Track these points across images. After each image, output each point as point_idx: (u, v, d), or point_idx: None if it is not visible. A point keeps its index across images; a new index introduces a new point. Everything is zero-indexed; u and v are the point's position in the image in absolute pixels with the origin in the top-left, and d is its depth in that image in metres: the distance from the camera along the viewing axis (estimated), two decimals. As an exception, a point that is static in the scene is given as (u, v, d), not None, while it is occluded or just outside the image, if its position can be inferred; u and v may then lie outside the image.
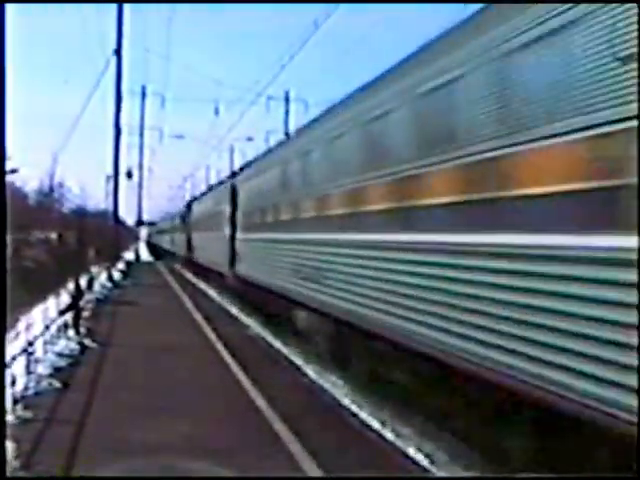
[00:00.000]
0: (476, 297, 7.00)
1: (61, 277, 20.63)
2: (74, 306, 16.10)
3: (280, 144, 19.07)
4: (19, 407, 8.95)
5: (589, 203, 5.45)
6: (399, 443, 8.38)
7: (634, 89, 4.99)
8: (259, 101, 38.10)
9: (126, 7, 36.64)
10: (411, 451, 8.11)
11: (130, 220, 73.38)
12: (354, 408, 9.96)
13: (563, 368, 5.68)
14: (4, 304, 8.10)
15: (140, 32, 53.55)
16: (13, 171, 26.23)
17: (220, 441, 7.92)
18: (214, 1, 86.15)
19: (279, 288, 16.03)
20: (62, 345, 13.73)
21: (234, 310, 23.28)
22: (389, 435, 8.73)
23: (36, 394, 9.92)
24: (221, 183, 33.64)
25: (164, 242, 68.10)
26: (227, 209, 24.95)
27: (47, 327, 14.05)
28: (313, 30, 17.47)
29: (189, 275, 41.04)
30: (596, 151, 5.39)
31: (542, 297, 5.98)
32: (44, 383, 10.53)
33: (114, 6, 36.27)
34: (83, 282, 21.80)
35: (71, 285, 18.07)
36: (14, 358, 10.03)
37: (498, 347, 6.50)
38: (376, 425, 9.13)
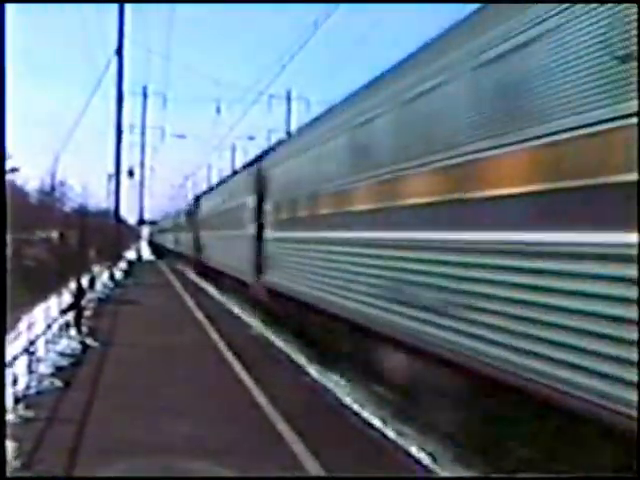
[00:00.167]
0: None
1: (63, 276, 20.59)
2: (76, 305, 16.09)
3: (330, 111, 13.51)
4: (21, 406, 8.94)
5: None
6: (401, 442, 8.36)
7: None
8: (261, 100, 38.28)
9: (127, 7, 36.66)
10: (413, 450, 8.09)
11: (132, 219, 73.39)
12: (356, 407, 9.93)
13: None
14: (4, 304, 8.08)
15: (141, 32, 53.66)
16: (14, 170, 26.23)
17: (221, 441, 7.90)
18: (215, 1, 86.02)
19: (342, 310, 11.45)
20: (64, 344, 13.72)
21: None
22: (391, 434, 8.71)
23: (38, 393, 9.91)
24: (235, 173, 29.61)
25: (167, 241, 66.14)
26: (250, 201, 20.62)
27: (49, 326, 14.04)
28: (314, 29, 17.45)
29: (193, 275, 40.94)
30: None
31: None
32: (46, 382, 10.52)
33: (115, 6, 36.30)
34: (85, 281, 21.79)
35: (73, 284, 18.05)
36: (16, 357, 10.02)
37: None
38: (378, 423, 9.11)
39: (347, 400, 10.33)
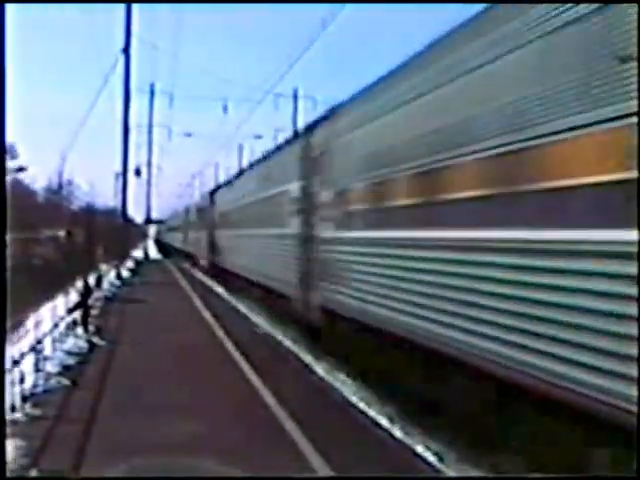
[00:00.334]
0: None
1: (70, 275, 20.66)
2: (83, 304, 16.12)
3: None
4: (28, 405, 8.96)
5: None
6: (408, 441, 8.34)
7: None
8: (267, 99, 38.11)
9: (134, 5, 36.68)
10: (419, 449, 8.07)
11: (139, 218, 73.52)
12: (362, 405, 9.91)
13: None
14: (4, 304, 8.10)
15: (148, 30, 53.82)
16: (21, 169, 26.31)
17: (228, 440, 7.90)
18: (222, 0, 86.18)
19: (467, 354, 7.53)
20: (71, 343, 13.75)
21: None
22: (397, 433, 8.69)
23: (45, 392, 9.94)
24: (264, 159, 22.28)
25: (176, 241, 62.92)
26: (293, 189, 15.96)
27: (56, 325, 14.08)
28: (321, 28, 17.38)
29: (200, 274, 40.92)
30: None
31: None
32: (53, 381, 10.54)
33: (122, 4, 36.31)
34: (92, 280, 21.84)
35: (80, 283, 18.09)
36: (23, 356, 10.04)
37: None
38: (384, 422, 9.09)
39: (353, 399, 10.32)
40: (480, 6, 7.66)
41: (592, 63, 5.57)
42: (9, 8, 8.04)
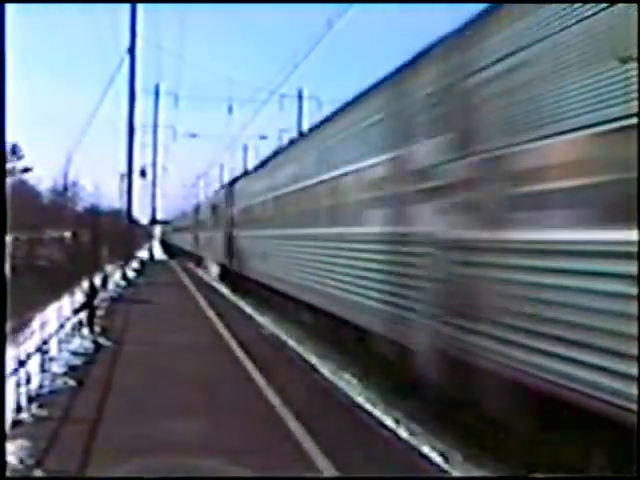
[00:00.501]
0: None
1: (75, 276, 20.67)
2: (88, 305, 16.15)
3: None
4: (34, 405, 8.98)
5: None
6: (414, 441, 8.35)
7: None
8: (272, 99, 38.08)
9: (140, 6, 36.76)
10: (425, 449, 8.07)
11: (144, 219, 73.58)
12: (368, 406, 9.92)
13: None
14: (4, 304, 8.12)
15: (154, 30, 53.90)
16: (27, 170, 26.36)
17: (232, 440, 7.91)
18: (227, 0, 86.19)
19: None
20: (76, 343, 13.77)
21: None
22: (403, 434, 8.70)
23: (51, 392, 9.95)
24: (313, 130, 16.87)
25: (185, 242, 58.92)
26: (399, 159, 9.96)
27: (62, 325, 14.10)
28: (326, 28, 17.33)
29: (207, 277, 40.93)
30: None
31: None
32: (59, 381, 10.56)
33: (127, 5, 36.39)
34: (97, 281, 21.87)
35: (85, 284, 18.12)
36: (29, 356, 10.06)
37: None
38: (390, 423, 9.09)
39: (359, 399, 10.32)
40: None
41: None
42: (12, 8, 8.05)
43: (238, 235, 26.78)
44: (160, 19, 66.47)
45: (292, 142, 21.06)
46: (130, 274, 34.59)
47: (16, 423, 8.17)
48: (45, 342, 11.63)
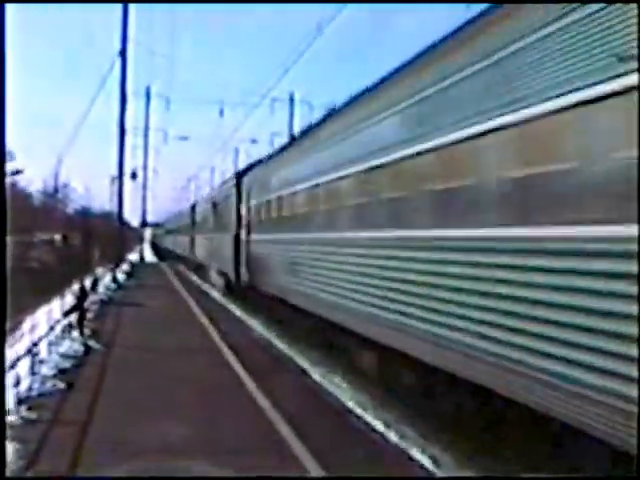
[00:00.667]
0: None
1: (66, 278, 20.66)
2: (78, 307, 16.11)
3: None
4: (23, 408, 8.96)
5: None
6: (403, 445, 8.36)
7: None
8: (264, 103, 38.07)
9: (131, 8, 36.66)
10: (415, 453, 8.08)
11: (135, 221, 73.41)
12: (359, 411, 9.93)
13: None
14: (4, 305, 8.11)
15: (145, 33, 53.80)
16: (17, 172, 26.32)
17: (222, 443, 7.91)
18: (219, 2, 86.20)
19: None
20: (66, 346, 13.74)
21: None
22: (393, 437, 8.71)
23: (40, 395, 9.92)
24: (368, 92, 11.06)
25: (178, 246, 54.96)
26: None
27: (52, 328, 14.07)
28: (317, 32, 17.35)
29: (195, 278, 40.78)
30: None
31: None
32: (48, 384, 10.54)
33: (119, 7, 36.33)
34: (87, 283, 21.83)
35: (75, 286, 18.09)
36: (19, 359, 10.04)
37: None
38: (380, 427, 9.10)
39: (350, 404, 10.33)
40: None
41: None
42: (17, 10, 8.05)
43: (251, 239, 21.38)
44: (152, 22, 66.38)
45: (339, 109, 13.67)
46: (120, 277, 34.50)
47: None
48: (35, 344, 11.61)
